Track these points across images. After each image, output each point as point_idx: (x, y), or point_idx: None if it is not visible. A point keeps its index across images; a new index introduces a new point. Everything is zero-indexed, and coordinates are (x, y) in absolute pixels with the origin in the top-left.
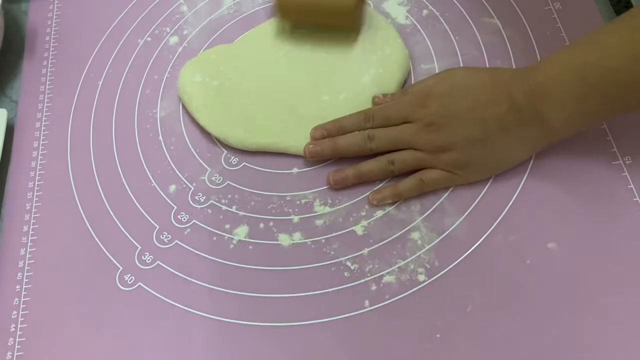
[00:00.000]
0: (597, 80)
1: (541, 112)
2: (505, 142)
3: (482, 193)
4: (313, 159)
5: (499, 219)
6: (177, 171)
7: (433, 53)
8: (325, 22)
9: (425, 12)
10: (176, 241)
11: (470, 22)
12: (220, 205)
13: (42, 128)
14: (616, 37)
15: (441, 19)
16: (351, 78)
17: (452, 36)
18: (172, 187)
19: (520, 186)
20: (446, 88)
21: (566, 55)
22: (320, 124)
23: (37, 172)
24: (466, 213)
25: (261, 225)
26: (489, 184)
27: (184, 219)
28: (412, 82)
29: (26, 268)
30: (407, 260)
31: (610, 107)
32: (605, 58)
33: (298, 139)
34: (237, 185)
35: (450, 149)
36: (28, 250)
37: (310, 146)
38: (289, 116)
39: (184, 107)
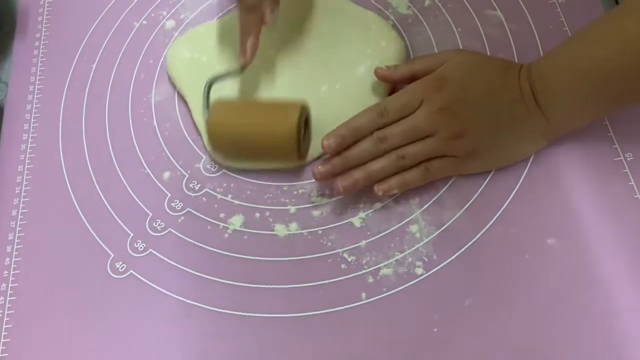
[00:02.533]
0: (589, 71)
1: (542, 104)
2: (514, 132)
3: (482, 187)
4: (324, 180)
5: (498, 213)
6: (171, 158)
7: (434, 44)
8: (264, 160)
9: (427, 2)
10: (169, 229)
11: (473, 13)
12: (216, 194)
13: (33, 111)
14: (604, 27)
15: (443, 10)
16: (347, 69)
17: (454, 27)
18: (166, 174)
19: (520, 181)
20: (462, 72)
21: (562, 48)
22: (331, 132)
23: (27, 156)
24: (465, 206)
25: (257, 214)
26: (488, 177)
27: (178, 207)
28: None
29: (14, 253)
30: (405, 253)
31: (605, 99)
32: (595, 49)
33: None
34: (232, 174)
35: (464, 135)
36: (17, 235)
37: (320, 168)
38: None
39: (178, 92)
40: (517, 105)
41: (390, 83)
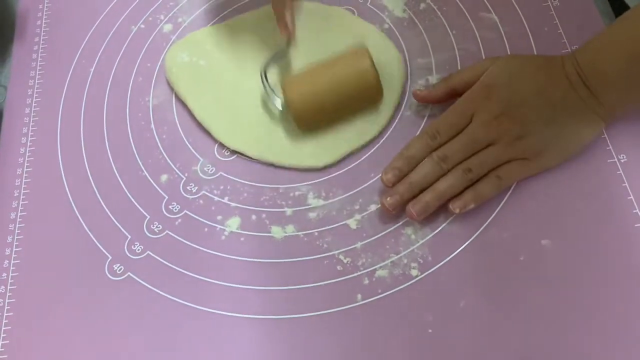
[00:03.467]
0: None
1: (595, 90)
2: (572, 122)
3: None
4: (395, 211)
5: (493, 215)
6: (169, 161)
7: (430, 47)
8: (351, 107)
9: (422, 5)
10: (167, 231)
11: (468, 16)
12: (212, 196)
13: (32, 114)
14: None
15: (438, 12)
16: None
17: (449, 30)
18: (164, 177)
19: (515, 183)
20: (506, 76)
21: (607, 34)
22: (387, 166)
23: (26, 159)
24: None
25: (253, 217)
26: None
27: (175, 209)
28: (410, 78)
29: (13, 255)
30: (400, 255)
31: None
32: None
33: (285, 154)
34: (229, 176)
35: (526, 135)
36: (15, 237)
37: (389, 199)
38: (276, 121)
39: (176, 95)
40: (569, 95)
41: (431, 103)
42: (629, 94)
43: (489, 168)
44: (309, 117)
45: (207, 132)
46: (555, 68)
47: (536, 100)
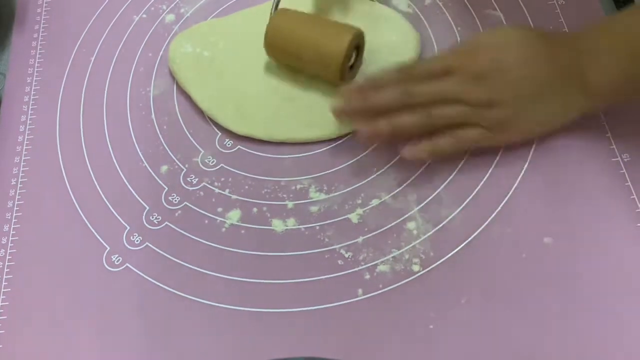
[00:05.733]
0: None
1: (585, 75)
2: (550, 101)
3: (480, 185)
4: (338, 116)
5: (495, 212)
6: (169, 152)
7: (435, 43)
8: (310, 71)
9: (427, 1)
10: (166, 223)
11: (473, 13)
12: (213, 188)
13: (31, 102)
14: None
15: (444, 9)
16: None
17: (454, 27)
18: (164, 168)
19: (518, 180)
20: (497, 40)
21: (613, 23)
22: (350, 87)
23: (24, 148)
24: (463, 204)
25: (254, 209)
26: (486, 176)
27: (175, 201)
28: None
29: (10, 245)
30: (402, 250)
31: None
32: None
33: (294, 129)
34: (231, 169)
35: (497, 105)
36: (12, 226)
37: (339, 104)
38: (282, 102)
39: (177, 85)
40: (556, 78)
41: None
42: (616, 86)
43: (449, 122)
44: (274, 49)
45: (209, 124)
46: (550, 45)
47: (517, 71)
